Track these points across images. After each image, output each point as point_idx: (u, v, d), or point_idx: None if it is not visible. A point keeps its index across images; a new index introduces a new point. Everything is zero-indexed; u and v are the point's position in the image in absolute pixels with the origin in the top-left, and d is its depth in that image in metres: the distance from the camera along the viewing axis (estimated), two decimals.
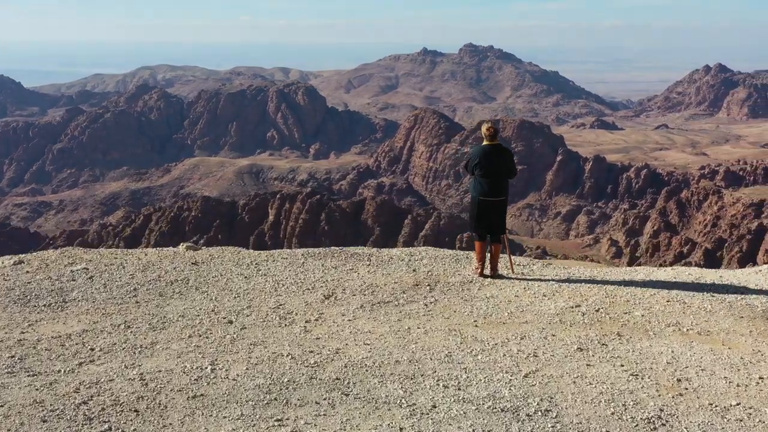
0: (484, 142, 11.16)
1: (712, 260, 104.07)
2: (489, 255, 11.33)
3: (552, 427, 6.37)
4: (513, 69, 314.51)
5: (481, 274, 11.23)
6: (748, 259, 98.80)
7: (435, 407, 6.67)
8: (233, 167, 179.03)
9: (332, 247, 13.14)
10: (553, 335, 8.66)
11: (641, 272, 11.97)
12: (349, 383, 7.14)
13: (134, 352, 7.84)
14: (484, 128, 11.24)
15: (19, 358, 7.61)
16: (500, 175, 11.10)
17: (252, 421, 6.34)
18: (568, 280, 11.12)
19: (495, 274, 11.27)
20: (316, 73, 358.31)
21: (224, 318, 9.05)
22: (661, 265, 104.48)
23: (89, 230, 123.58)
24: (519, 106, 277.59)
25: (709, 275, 11.66)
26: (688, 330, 8.93)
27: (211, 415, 6.43)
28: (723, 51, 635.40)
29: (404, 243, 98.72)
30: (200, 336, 8.40)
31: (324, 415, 6.47)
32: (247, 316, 9.15)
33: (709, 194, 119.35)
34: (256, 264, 11.63)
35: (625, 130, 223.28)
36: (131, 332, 8.47)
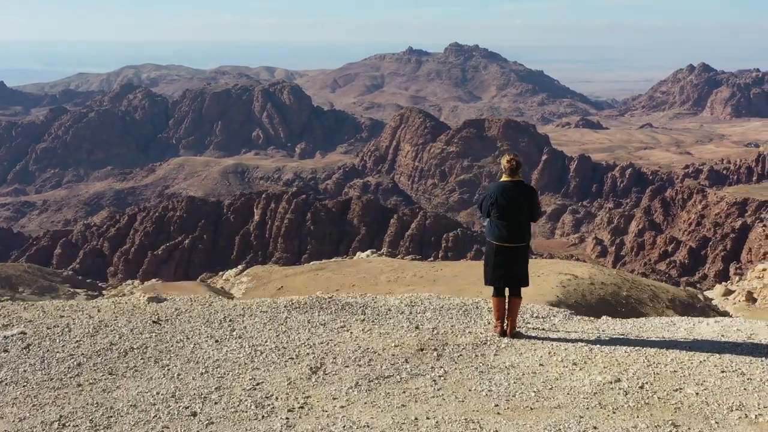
0: (503, 177, 9.42)
1: (696, 259, 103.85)
2: (507, 310, 9.62)
3: None
4: (498, 68, 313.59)
5: (502, 333, 9.59)
6: (732, 257, 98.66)
7: None
8: (218, 167, 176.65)
9: (319, 295, 11.33)
10: (595, 428, 6.99)
11: (681, 327, 10.29)
12: None
13: None
14: (504, 161, 9.43)
15: None
16: (520, 216, 9.33)
17: None
18: (599, 341, 9.43)
19: (513, 333, 9.59)
20: (302, 72, 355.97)
21: (186, 408, 7.25)
22: (645, 264, 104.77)
23: (73, 230, 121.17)
24: (504, 106, 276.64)
25: (762, 331, 9.99)
26: (757, 417, 7.28)
27: None
28: (708, 50, 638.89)
29: (390, 243, 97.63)
30: None
31: None
32: (216, 403, 7.37)
33: (694, 193, 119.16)
34: (229, 321, 9.81)
35: (609, 130, 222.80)
36: None
